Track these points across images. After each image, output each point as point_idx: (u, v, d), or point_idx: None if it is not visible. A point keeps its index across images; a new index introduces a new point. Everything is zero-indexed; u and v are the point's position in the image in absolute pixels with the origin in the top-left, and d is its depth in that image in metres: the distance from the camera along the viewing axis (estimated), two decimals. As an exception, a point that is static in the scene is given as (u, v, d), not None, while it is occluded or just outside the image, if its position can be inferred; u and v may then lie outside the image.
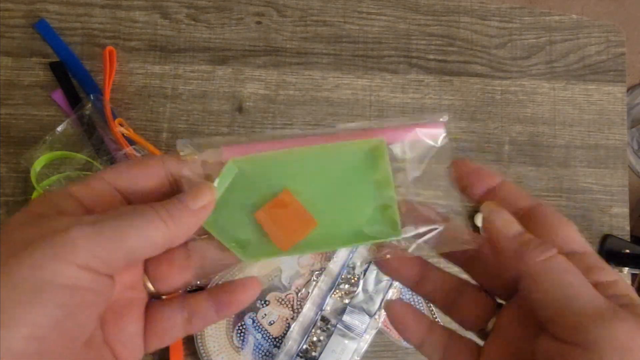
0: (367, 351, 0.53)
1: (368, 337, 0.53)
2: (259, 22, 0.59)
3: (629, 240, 0.58)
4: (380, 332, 0.54)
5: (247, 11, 0.59)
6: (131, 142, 0.54)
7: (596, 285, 0.22)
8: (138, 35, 0.58)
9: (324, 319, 0.53)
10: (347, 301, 0.53)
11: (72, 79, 0.56)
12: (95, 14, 0.58)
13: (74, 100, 0.55)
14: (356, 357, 0.53)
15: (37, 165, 0.52)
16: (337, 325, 0.52)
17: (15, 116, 0.55)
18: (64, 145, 0.54)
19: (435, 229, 0.25)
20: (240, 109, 0.57)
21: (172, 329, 0.25)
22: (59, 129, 0.54)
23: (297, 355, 0.52)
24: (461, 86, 0.59)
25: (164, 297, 0.26)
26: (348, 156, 0.26)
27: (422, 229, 0.25)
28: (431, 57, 0.60)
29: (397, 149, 0.26)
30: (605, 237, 0.58)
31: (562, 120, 0.60)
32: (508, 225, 0.24)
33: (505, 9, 0.61)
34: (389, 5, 0.60)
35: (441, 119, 0.26)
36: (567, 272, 0.22)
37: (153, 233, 0.21)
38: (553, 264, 0.22)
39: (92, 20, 0.58)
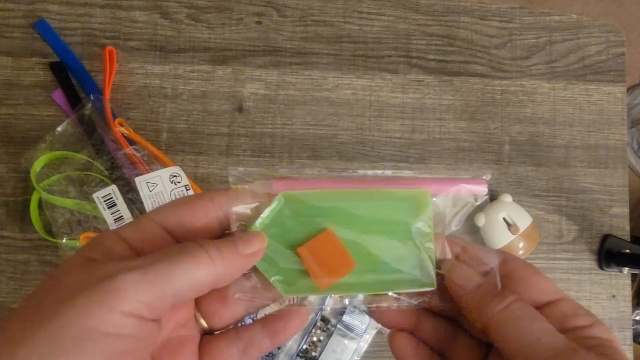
0: (367, 351, 0.53)
1: (368, 337, 0.53)
2: (259, 22, 0.59)
3: (629, 240, 0.58)
4: (380, 332, 0.54)
5: (247, 11, 0.59)
6: (131, 142, 0.54)
7: (573, 329, 0.23)
8: (138, 35, 0.58)
9: (324, 319, 0.53)
10: (347, 301, 0.53)
11: (72, 79, 0.56)
12: (95, 14, 0.58)
13: (74, 100, 0.55)
14: (356, 357, 0.53)
15: (37, 165, 0.52)
16: (337, 325, 0.52)
17: (15, 116, 0.55)
18: (64, 145, 0.54)
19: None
20: (240, 109, 0.57)
21: None
22: (59, 129, 0.54)
23: (297, 355, 0.52)
24: (461, 86, 0.59)
25: (216, 332, 0.26)
26: (392, 203, 0.26)
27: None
28: (431, 57, 0.60)
29: (439, 201, 0.27)
30: (605, 237, 0.58)
31: (562, 120, 0.60)
32: (468, 279, 0.25)
33: (505, 9, 0.61)
34: (389, 5, 0.60)
35: (484, 177, 0.27)
36: (525, 318, 0.22)
37: (200, 273, 0.21)
38: (511, 312, 0.23)
39: (92, 20, 0.58)
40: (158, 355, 0.23)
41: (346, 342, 0.52)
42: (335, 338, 0.52)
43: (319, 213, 0.26)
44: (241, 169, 0.25)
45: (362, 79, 0.59)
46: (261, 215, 0.25)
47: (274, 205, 0.25)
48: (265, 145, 0.57)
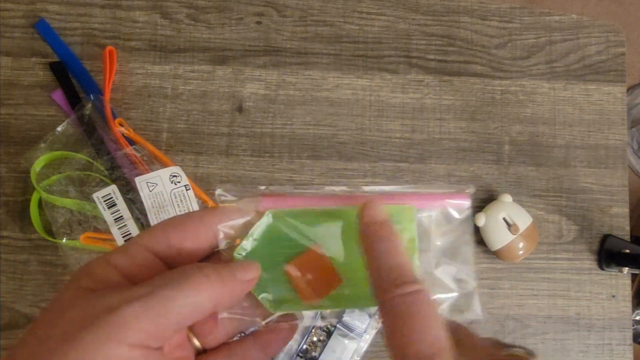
0: (367, 351, 0.53)
1: (368, 337, 0.53)
2: (259, 22, 0.59)
3: (629, 240, 0.58)
4: (380, 332, 0.54)
5: (247, 11, 0.59)
6: (131, 142, 0.54)
7: None
8: (138, 35, 0.58)
9: (324, 319, 0.53)
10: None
11: (72, 79, 0.56)
12: (95, 14, 0.58)
13: (74, 100, 0.55)
14: (356, 357, 0.53)
15: (37, 165, 0.52)
16: (337, 325, 0.52)
17: (15, 116, 0.55)
18: (64, 145, 0.54)
19: (450, 297, 0.27)
20: (240, 109, 0.57)
21: None
22: (59, 129, 0.54)
23: (297, 355, 0.52)
24: (461, 86, 0.59)
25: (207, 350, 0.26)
26: None
27: (437, 296, 0.27)
28: (431, 57, 0.60)
29: (424, 216, 0.27)
30: (605, 237, 0.58)
31: (562, 120, 0.60)
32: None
33: (505, 9, 0.61)
34: (389, 5, 0.60)
35: (467, 190, 0.27)
36: (419, 314, 0.22)
37: (201, 298, 0.21)
38: (410, 302, 0.22)
39: (92, 20, 0.58)
40: None
41: (346, 342, 0.52)
42: (335, 338, 0.52)
43: (305, 230, 0.26)
44: (228, 186, 0.26)
45: (362, 79, 0.59)
46: (249, 233, 0.25)
47: (261, 223, 0.26)
48: (265, 145, 0.57)
